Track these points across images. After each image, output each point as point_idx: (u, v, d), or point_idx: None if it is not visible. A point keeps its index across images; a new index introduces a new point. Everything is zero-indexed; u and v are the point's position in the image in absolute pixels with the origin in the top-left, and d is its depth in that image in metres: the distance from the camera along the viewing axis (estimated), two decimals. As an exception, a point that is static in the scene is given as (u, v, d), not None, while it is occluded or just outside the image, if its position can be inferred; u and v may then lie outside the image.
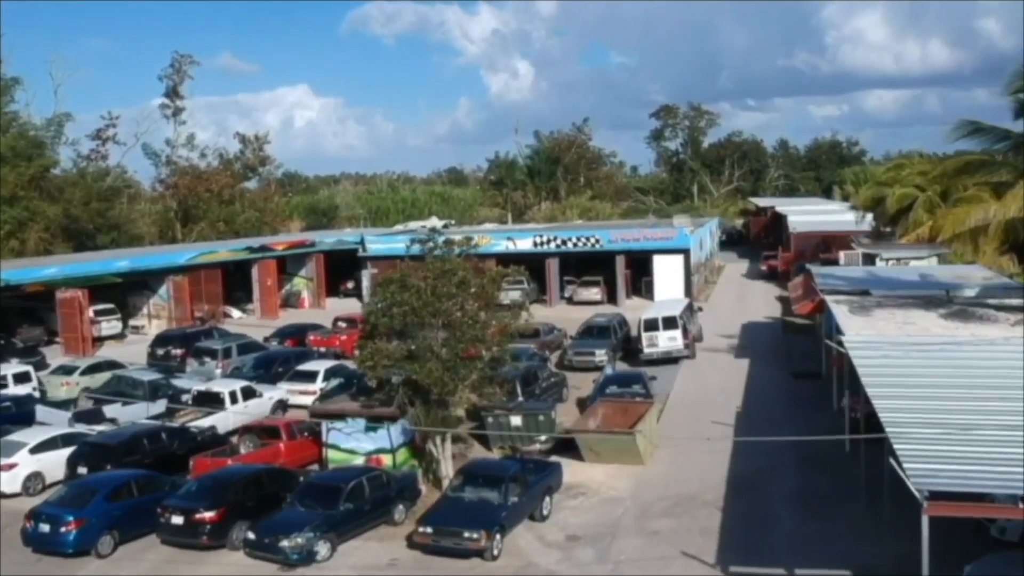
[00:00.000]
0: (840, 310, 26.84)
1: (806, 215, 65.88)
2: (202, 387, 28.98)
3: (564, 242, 52.29)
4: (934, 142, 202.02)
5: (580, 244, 52.14)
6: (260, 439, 24.49)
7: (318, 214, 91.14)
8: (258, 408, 28.86)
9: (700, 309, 39.92)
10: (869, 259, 40.02)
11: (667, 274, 50.39)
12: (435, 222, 72.86)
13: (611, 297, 51.07)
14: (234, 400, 28.17)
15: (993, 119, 25.26)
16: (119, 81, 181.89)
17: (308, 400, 30.06)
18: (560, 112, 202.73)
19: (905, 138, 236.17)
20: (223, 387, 28.69)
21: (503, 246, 52.66)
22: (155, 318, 46.79)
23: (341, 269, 57.18)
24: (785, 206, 76.23)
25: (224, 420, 27.68)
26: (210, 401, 28.16)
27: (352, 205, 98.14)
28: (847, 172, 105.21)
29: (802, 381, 31.72)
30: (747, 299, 51.64)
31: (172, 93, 74.25)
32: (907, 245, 42.40)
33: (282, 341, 39.34)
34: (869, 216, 52.66)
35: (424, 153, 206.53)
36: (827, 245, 57.73)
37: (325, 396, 29.08)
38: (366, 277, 54.02)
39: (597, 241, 51.77)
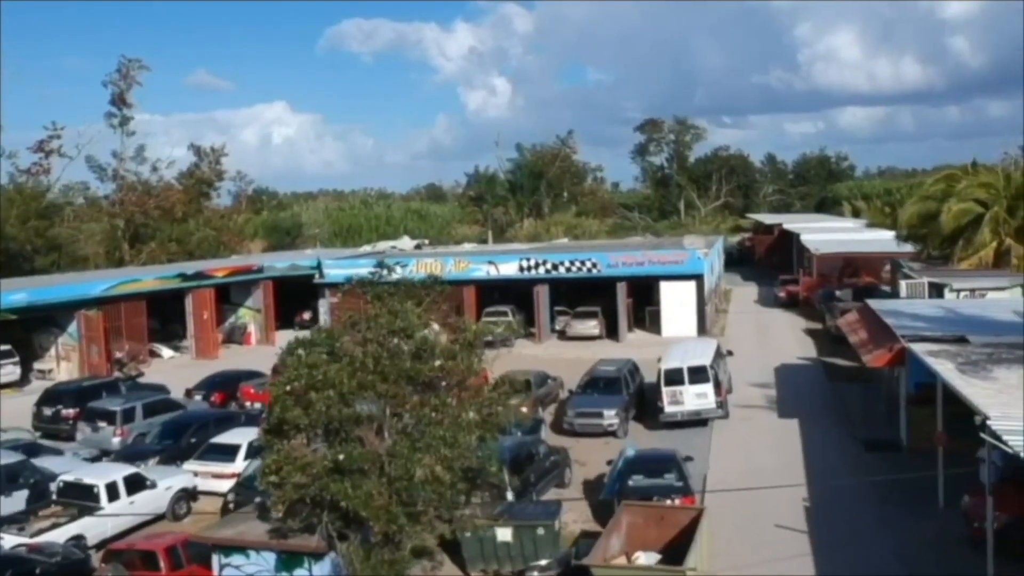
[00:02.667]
0: (945, 368, 19.56)
1: (821, 234, 58.82)
2: (69, 477, 21.06)
3: (555, 266, 44.77)
4: (911, 158, 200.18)
5: (574, 269, 44.64)
6: (129, 570, 16.74)
7: (281, 233, 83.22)
8: (151, 504, 21.18)
9: (730, 353, 32.34)
10: (935, 290, 32.71)
11: (676, 304, 43.13)
12: (407, 242, 65.44)
13: (611, 331, 43.52)
14: (113, 495, 20.37)
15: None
16: (92, 100, 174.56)
17: (225, 486, 22.41)
18: (538, 129, 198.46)
19: (880, 154, 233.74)
20: (98, 477, 20.79)
21: (484, 271, 45.38)
22: (65, 360, 38.92)
23: (297, 296, 49.36)
24: (794, 223, 69.19)
25: (99, 525, 19.97)
26: (81, 496, 20.41)
27: (320, 223, 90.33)
28: (841, 187, 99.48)
29: (877, 454, 24.32)
30: (769, 333, 44.07)
31: (119, 100, 66.29)
32: (973, 272, 35.38)
33: (208, 395, 31.43)
34: (892, 234, 46.38)
35: (403, 169, 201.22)
36: (853, 269, 50.89)
37: (242, 485, 21.35)
38: (324, 307, 46.47)
39: (594, 265, 44.27)
